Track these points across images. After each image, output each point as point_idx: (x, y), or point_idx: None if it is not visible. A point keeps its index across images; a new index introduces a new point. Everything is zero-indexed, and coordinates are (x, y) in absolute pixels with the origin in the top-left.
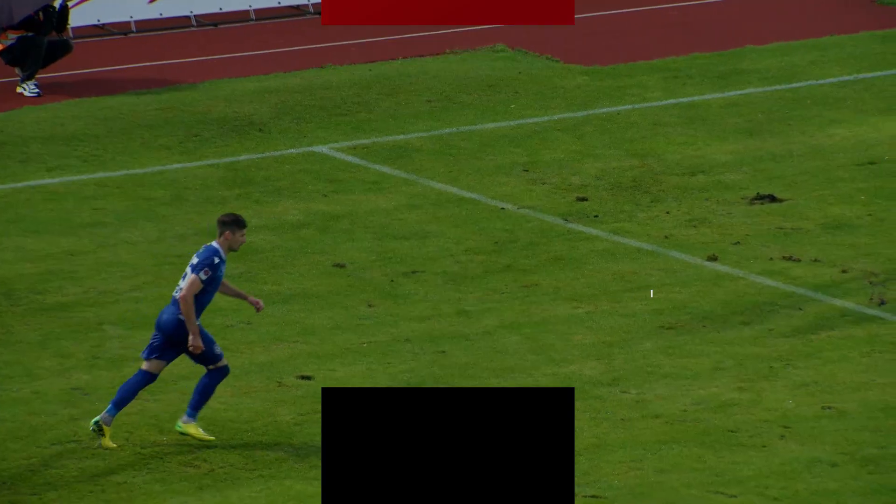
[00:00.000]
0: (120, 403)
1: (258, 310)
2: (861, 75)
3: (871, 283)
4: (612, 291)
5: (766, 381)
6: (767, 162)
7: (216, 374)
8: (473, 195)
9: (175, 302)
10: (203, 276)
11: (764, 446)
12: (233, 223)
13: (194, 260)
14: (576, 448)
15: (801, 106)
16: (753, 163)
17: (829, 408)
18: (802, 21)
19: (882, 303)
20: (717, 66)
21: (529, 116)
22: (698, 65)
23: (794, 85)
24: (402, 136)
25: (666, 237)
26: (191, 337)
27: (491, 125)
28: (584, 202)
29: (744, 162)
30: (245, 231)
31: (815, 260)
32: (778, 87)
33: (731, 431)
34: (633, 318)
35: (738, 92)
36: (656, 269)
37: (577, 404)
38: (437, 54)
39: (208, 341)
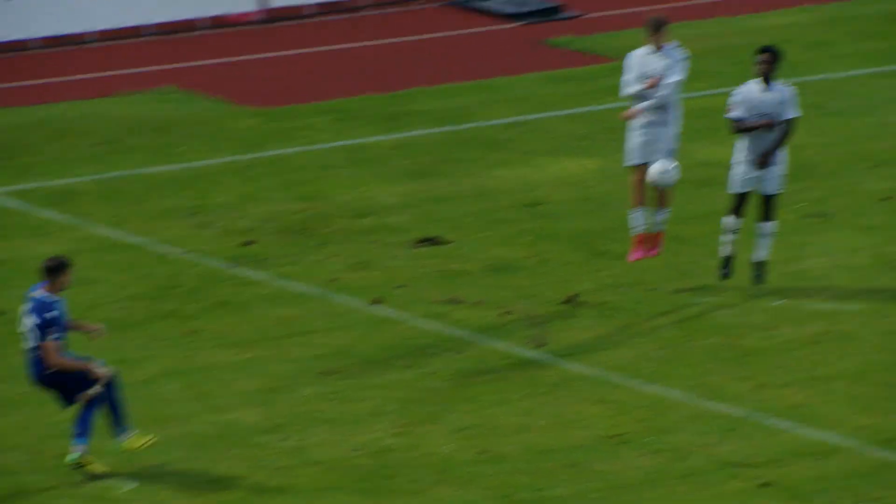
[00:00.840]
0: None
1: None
2: (527, 116)
3: (532, 325)
4: (276, 337)
5: (426, 425)
6: (434, 204)
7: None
8: (139, 240)
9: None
10: (54, 336)
11: (420, 492)
12: (58, 268)
13: (36, 319)
14: (230, 498)
15: (468, 147)
16: (420, 205)
17: (487, 451)
18: (472, 62)
19: (542, 345)
20: (386, 107)
21: (199, 159)
22: (368, 106)
23: (462, 126)
24: (67, 181)
25: (331, 281)
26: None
27: (159, 168)
28: (252, 246)
29: (410, 204)
30: (71, 270)
31: (478, 302)
32: (446, 128)
33: (389, 477)
34: (295, 363)
35: (407, 133)
36: (321, 313)
37: (236, 452)
38: (106, 96)
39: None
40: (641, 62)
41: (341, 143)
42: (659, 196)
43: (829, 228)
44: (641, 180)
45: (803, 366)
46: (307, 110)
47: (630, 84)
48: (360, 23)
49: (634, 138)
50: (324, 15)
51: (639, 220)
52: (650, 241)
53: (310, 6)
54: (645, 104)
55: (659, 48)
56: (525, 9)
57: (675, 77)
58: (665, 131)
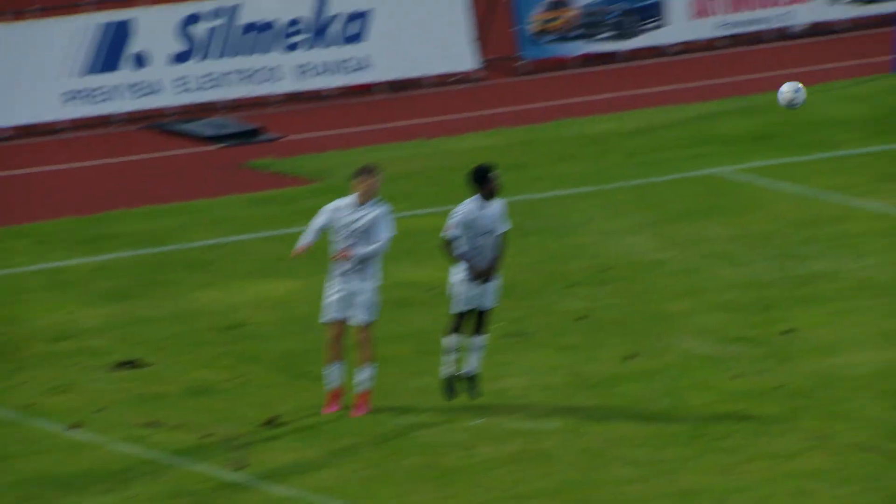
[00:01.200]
0: None
1: None
2: (228, 238)
3: (232, 447)
4: None
5: None
6: (134, 326)
7: None
8: None
9: None
10: None
11: None
12: None
13: None
14: None
15: (169, 269)
16: (120, 327)
17: None
18: (172, 185)
19: (242, 467)
20: (85, 230)
21: None
22: (66, 229)
23: (163, 249)
24: None
25: (29, 405)
26: None
27: None
28: None
29: (111, 326)
30: None
31: (178, 425)
32: (146, 250)
33: None
34: None
35: (107, 256)
36: (18, 438)
37: None
38: None
39: None
40: (339, 216)
41: (39, 266)
42: (362, 353)
43: (528, 348)
44: (338, 336)
45: (502, 484)
46: (3, 234)
47: (309, 233)
48: (58, 146)
49: (332, 294)
50: (20, 138)
51: (334, 375)
52: (355, 400)
53: (5, 129)
54: (341, 249)
55: (363, 202)
56: (225, 131)
57: (386, 234)
58: (364, 285)
